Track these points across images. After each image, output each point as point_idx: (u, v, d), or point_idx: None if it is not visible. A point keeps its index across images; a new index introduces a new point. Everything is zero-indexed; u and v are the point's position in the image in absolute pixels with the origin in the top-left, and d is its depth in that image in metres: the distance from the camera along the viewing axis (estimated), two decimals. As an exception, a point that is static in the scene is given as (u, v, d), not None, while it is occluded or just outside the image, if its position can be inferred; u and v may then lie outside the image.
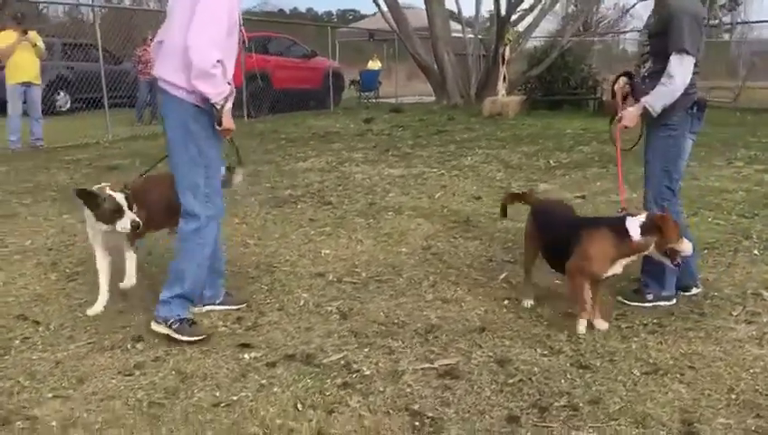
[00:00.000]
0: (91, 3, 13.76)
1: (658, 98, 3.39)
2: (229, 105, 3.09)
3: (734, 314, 3.48)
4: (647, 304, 3.59)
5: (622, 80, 3.68)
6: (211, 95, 2.99)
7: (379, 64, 25.27)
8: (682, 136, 3.51)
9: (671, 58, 3.34)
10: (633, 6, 26.73)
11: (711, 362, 2.94)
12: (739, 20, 38.18)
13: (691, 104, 3.47)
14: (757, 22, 35.53)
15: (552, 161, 8.14)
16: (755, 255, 4.40)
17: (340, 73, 18.62)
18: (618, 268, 3.27)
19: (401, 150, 9.38)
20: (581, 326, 3.27)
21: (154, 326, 3.26)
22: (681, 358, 2.99)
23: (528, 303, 3.65)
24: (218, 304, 3.61)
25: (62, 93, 16.40)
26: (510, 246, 4.71)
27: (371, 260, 4.44)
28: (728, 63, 23.86)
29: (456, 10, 18.34)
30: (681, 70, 3.34)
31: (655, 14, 3.56)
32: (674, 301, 3.62)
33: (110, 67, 14.20)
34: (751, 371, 2.86)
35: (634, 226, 3.18)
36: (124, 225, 3.37)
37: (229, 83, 3.08)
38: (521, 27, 17.54)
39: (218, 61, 2.95)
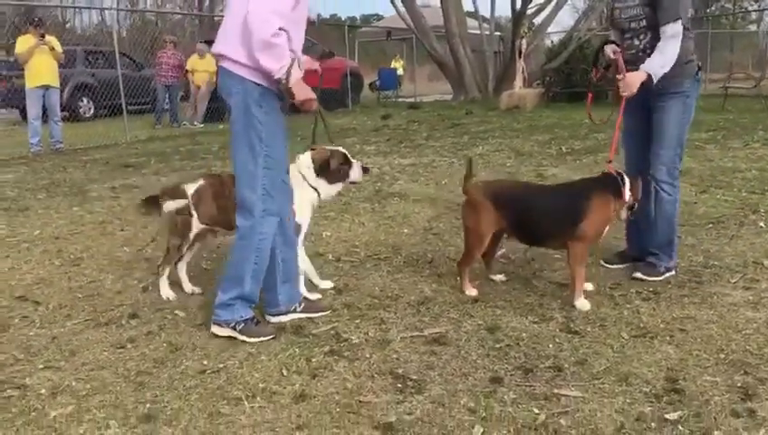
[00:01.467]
0: (112, 6, 14.09)
1: (660, 65, 3.32)
2: (297, 74, 2.73)
3: (733, 281, 3.42)
4: (661, 277, 3.52)
5: (611, 47, 3.56)
6: (274, 69, 2.67)
7: (402, 63, 25.31)
8: (693, 102, 3.52)
9: (667, 27, 3.31)
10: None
11: (703, 325, 2.90)
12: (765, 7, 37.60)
13: (695, 70, 3.50)
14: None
15: (564, 148, 8.07)
16: (761, 227, 4.33)
17: (359, 73, 18.68)
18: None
19: (415, 142, 9.38)
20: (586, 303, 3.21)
21: (216, 330, 3.00)
22: (673, 322, 2.96)
23: (472, 293, 3.46)
24: (300, 311, 3.22)
25: (84, 100, 16.72)
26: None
27: (372, 241, 4.45)
28: (756, 54, 23.35)
29: (472, 7, 18.31)
30: (674, 38, 3.31)
31: None
32: (674, 271, 3.59)
33: (131, 73, 14.52)
34: (743, 332, 2.82)
35: (626, 185, 3.17)
36: (357, 175, 3.35)
37: (293, 51, 2.75)
38: (537, 21, 17.46)
39: (280, 29, 2.64)
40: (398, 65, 25.24)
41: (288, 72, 2.68)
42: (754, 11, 40.28)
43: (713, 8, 44.56)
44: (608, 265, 3.74)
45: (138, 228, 4.95)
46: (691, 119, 3.55)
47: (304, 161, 3.26)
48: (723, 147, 7.49)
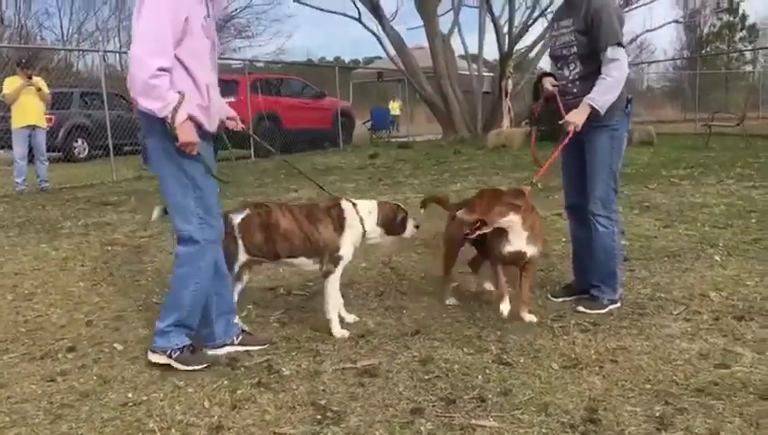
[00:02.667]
0: (114, 48, 14.26)
1: (604, 93, 3.30)
2: (182, 115, 2.67)
3: (675, 312, 3.40)
4: (603, 311, 3.48)
5: (549, 80, 3.57)
6: (155, 109, 2.65)
7: (398, 105, 25.55)
8: (623, 135, 3.49)
9: (608, 51, 3.29)
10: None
11: (635, 356, 2.88)
12: (761, 54, 38.08)
13: (626, 103, 3.46)
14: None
15: (540, 185, 8.07)
16: (716, 260, 4.31)
17: (350, 113, 18.88)
18: None
19: (395, 180, 9.44)
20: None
21: (152, 357, 3.00)
22: (605, 353, 2.93)
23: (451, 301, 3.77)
24: (238, 344, 3.18)
25: (80, 141, 16.92)
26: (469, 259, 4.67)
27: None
28: (752, 94, 23.47)
29: (462, 48, 18.61)
30: (620, 62, 3.30)
31: (566, 11, 3.48)
32: (619, 304, 3.56)
33: (125, 114, 14.67)
34: (674, 363, 2.79)
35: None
36: (410, 232, 3.61)
37: (180, 93, 2.69)
38: (532, 55, 17.70)
39: (161, 69, 2.62)
40: (394, 106, 25.52)
41: (174, 111, 2.66)
42: (749, 50, 40.87)
43: (708, 48, 45.19)
44: (554, 299, 3.72)
45: (98, 263, 4.96)
46: (622, 152, 3.50)
47: (367, 207, 3.48)
48: (697, 183, 7.52)
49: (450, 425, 2.38)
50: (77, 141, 16.86)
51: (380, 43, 17.10)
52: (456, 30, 18.00)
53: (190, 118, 2.72)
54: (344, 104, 18.25)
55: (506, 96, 14.28)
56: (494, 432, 2.31)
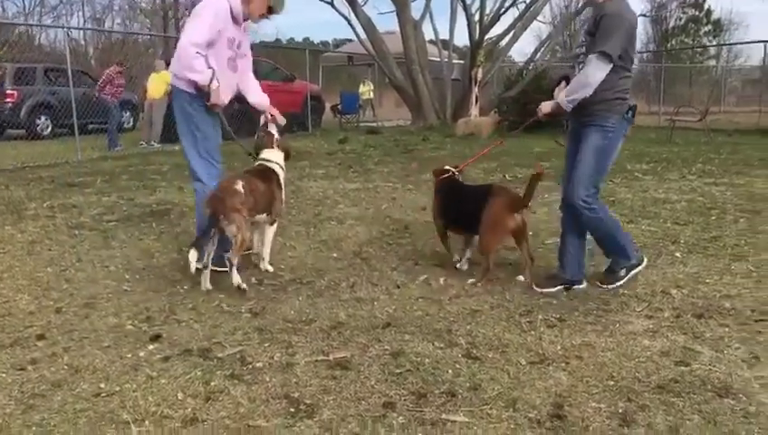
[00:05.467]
0: (79, 24, 13.92)
1: (570, 94, 3.53)
2: (215, 83, 3.92)
3: (638, 309, 3.51)
4: (622, 281, 3.84)
5: (562, 83, 3.79)
6: (198, 80, 3.91)
7: (371, 87, 25.46)
8: (617, 139, 3.68)
9: (590, 57, 3.46)
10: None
11: (599, 353, 2.97)
12: (725, 50, 38.85)
13: (627, 109, 3.65)
14: (738, 43, 36.22)
15: (507, 176, 8.22)
16: (676, 257, 4.45)
17: (320, 97, 18.78)
18: None
19: (365, 167, 9.46)
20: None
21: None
22: (571, 349, 3.02)
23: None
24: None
25: (42, 118, 16.56)
26: (439, 251, 4.74)
27: (298, 265, 4.47)
28: (714, 89, 23.94)
29: (433, 34, 18.61)
30: (593, 71, 3.45)
31: (591, 17, 3.70)
32: (644, 262, 3.95)
33: (91, 92, 14.37)
34: (636, 360, 2.89)
35: None
36: None
37: (211, 68, 3.92)
38: (502, 44, 17.79)
39: (197, 53, 3.85)
40: (365, 89, 25.41)
41: (211, 80, 3.91)
42: (713, 46, 41.68)
43: (672, 42, 45.93)
44: (540, 290, 3.83)
45: (66, 248, 4.91)
46: (613, 154, 3.70)
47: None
48: (660, 178, 7.69)
49: (421, 419, 2.44)
50: (40, 118, 16.53)
51: (352, 27, 17.01)
52: (427, 16, 18.01)
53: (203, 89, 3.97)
54: (314, 88, 18.15)
55: (476, 85, 14.35)
56: (464, 427, 2.38)
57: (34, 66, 17.38)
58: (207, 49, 3.92)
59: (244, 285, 3.86)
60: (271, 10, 4.20)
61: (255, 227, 4.22)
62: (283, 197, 4.39)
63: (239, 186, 3.91)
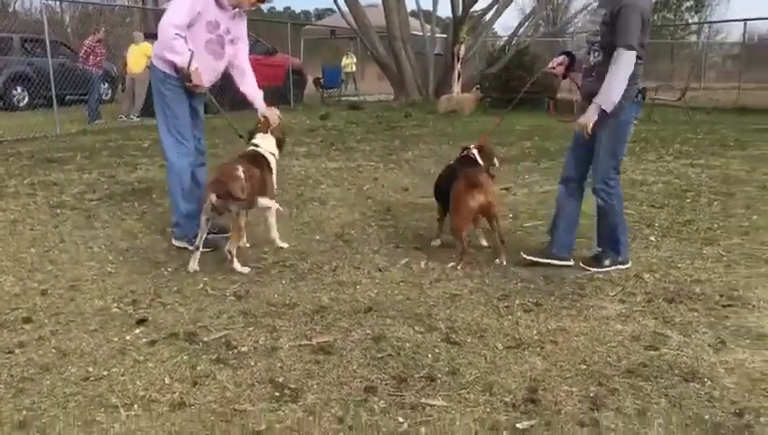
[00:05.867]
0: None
1: (609, 93, 3.62)
2: (195, 64, 4.03)
3: (612, 294, 3.63)
4: (603, 269, 3.97)
5: (559, 59, 4.00)
6: (177, 61, 4.04)
7: (354, 60, 25.34)
8: (628, 122, 3.80)
9: (617, 52, 3.56)
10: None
11: (573, 338, 3.08)
12: (704, 18, 39.03)
13: (636, 93, 3.75)
14: (719, 21, 36.47)
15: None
16: (651, 241, 4.58)
17: (302, 71, 18.69)
18: None
19: (346, 145, 9.49)
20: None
21: (176, 243, 4.45)
22: (546, 334, 3.13)
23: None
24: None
25: (19, 89, 16.34)
26: (421, 234, 4.83)
27: (282, 247, 4.53)
28: (694, 67, 24.11)
29: (415, 7, 18.51)
30: (625, 65, 3.57)
31: (606, 5, 3.71)
32: (629, 264, 4.02)
33: (70, 63, 14.19)
34: (608, 345, 3.01)
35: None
36: None
37: (191, 50, 4.03)
38: (486, 18, 17.74)
39: (177, 34, 3.96)
40: (348, 62, 25.28)
41: (189, 62, 4.01)
42: (695, 23, 41.89)
43: (654, 18, 46.03)
44: (527, 257, 4.05)
45: (48, 228, 4.93)
46: (627, 137, 3.85)
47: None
48: (638, 159, 7.81)
49: (401, 404, 2.53)
50: (16, 89, 16.32)
51: (334, 1, 16.86)
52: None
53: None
54: (296, 61, 18.04)
55: (458, 61, 14.36)
56: (443, 411, 2.48)
57: (11, 36, 17.09)
58: (187, 30, 4.03)
59: (247, 269, 3.98)
60: None
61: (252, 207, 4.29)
62: (275, 182, 4.44)
63: (240, 171, 3.97)
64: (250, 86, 4.53)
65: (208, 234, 4.09)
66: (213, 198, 3.85)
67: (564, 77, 4.16)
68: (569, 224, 4.09)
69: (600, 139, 3.80)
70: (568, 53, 4.05)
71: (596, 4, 3.97)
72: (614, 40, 3.59)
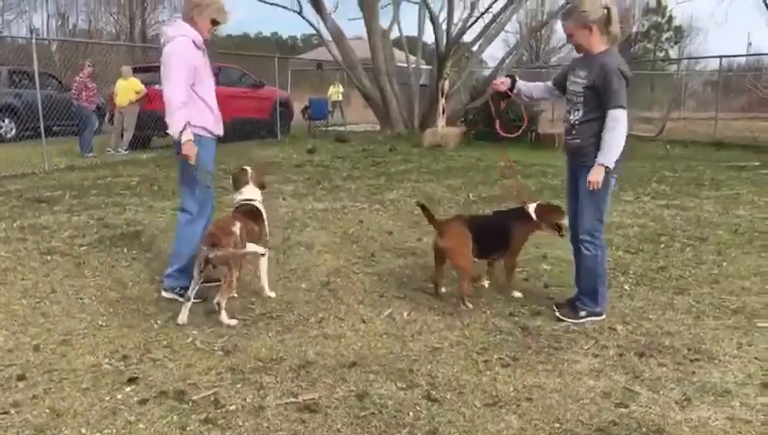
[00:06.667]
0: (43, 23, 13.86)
1: (611, 153, 3.83)
2: (186, 136, 4.18)
3: (586, 347, 3.78)
4: (579, 321, 4.12)
5: (505, 78, 4.35)
6: (172, 133, 4.22)
7: (341, 88, 25.63)
8: (610, 176, 3.96)
9: (611, 113, 3.80)
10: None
11: (548, 394, 3.23)
12: (685, 55, 39.94)
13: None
14: (697, 58, 37.42)
15: (471, 196, 8.49)
16: (625, 290, 4.75)
17: (289, 103, 18.92)
18: None
19: (333, 183, 9.65)
20: None
21: (165, 294, 4.57)
22: (523, 390, 3.27)
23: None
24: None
25: (6, 121, 16.45)
26: (405, 281, 4.98)
27: (268, 297, 4.65)
28: (674, 100, 24.60)
29: (403, 40, 18.85)
30: (622, 123, 3.80)
31: (583, 64, 3.98)
32: (603, 316, 4.16)
33: (57, 94, 14.36)
34: (580, 402, 3.15)
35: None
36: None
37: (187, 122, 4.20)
38: (464, 60, 18.11)
39: (181, 102, 4.16)
40: (334, 90, 25.57)
41: (180, 134, 4.17)
42: (673, 60, 42.85)
43: (636, 47, 47.02)
44: (566, 319, 4.17)
45: (39, 277, 5.03)
46: (609, 190, 4.00)
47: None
48: (616, 199, 8.00)
49: (383, 464, 2.66)
50: (4, 121, 16.43)
51: (320, 36, 17.15)
52: (395, 25, 18.26)
53: (207, 130, 4.42)
54: (283, 94, 18.27)
55: (442, 96, 14.65)
56: (422, 472, 2.61)
57: (-1, 68, 17.25)
58: (194, 87, 4.28)
59: (234, 322, 4.12)
60: (215, 22, 4.46)
61: (247, 261, 4.43)
62: (267, 231, 4.63)
63: (236, 226, 4.16)
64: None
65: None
66: (208, 251, 3.99)
67: (507, 96, 4.39)
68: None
69: (584, 192, 3.98)
70: (511, 76, 4.40)
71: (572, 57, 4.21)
72: (602, 102, 3.83)
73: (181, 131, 4.16)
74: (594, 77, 3.86)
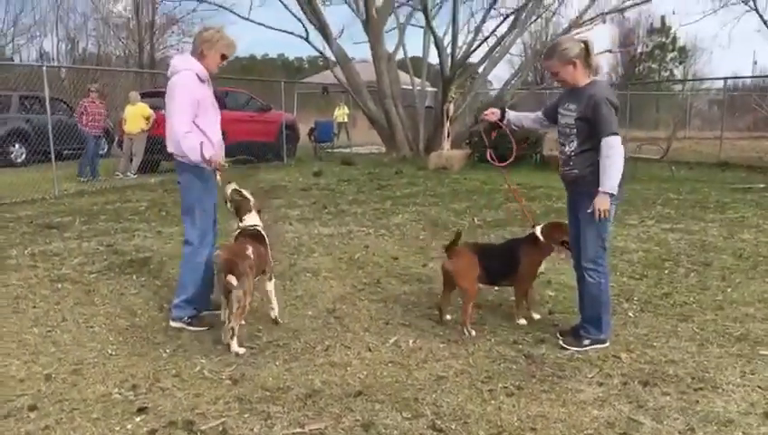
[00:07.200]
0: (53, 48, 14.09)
1: (611, 179, 3.91)
2: (206, 152, 4.31)
3: (590, 375, 3.82)
4: (583, 349, 4.16)
5: (495, 109, 4.51)
6: (194, 158, 4.33)
7: (346, 110, 25.82)
8: (612, 204, 4.02)
9: (606, 141, 3.89)
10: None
11: (552, 424, 3.26)
12: (690, 74, 40.13)
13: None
14: (701, 79, 37.64)
15: (476, 220, 8.54)
16: (629, 316, 4.78)
17: (295, 126, 19.08)
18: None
19: (339, 207, 9.73)
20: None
21: (173, 324, 4.62)
22: (527, 420, 3.30)
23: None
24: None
25: (17, 145, 16.67)
26: (410, 308, 5.03)
27: (277, 322, 4.70)
28: (678, 120, 24.70)
29: (407, 63, 19.04)
30: (617, 149, 3.90)
31: (572, 96, 4.08)
32: (607, 343, 4.20)
33: (66, 119, 14.60)
34: (584, 432, 3.19)
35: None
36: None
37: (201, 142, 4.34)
38: (469, 82, 18.28)
39: (186, 132, 4.30)
40: (340, 112, 25.77)
41: (201, 152, 4.30)
42: (678, 81, 43.04)
43: (640, 67, 47.28)
44: (569, 347, 4.21)
45: (50, 305, 5.10)
46: (611, 217, 4.05)
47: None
48: (620, 223, 8.05)
49: (389, 496, 2.70)
50: (14, 146, 16.65)
51: (326, 61, 17.34)
52: (401, 49, 18.48)
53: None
54: (289, 117, 18.44)
55: (447, 119, 14.78)
56: (427, 504, 2.65)
57: (10, 94, 17.50)
58: (196, 120, 4.38)
59: (242, 350, 4.17)
60: (224, 57, 4.59)
61: (256, 286, 4.50)
62: (270, 257, 4.73)
63: (249, 251, 4.27)
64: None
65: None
66: (229, 278, 4.06)
67: (498, 127, 4.54)
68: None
69: (585, 220, 4.05)
70: (501, 107, 4.59)
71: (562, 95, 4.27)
72: (595, 132, 3.92)
73: (201, 153, 4.29)
74: (583, 108, 3.98)
